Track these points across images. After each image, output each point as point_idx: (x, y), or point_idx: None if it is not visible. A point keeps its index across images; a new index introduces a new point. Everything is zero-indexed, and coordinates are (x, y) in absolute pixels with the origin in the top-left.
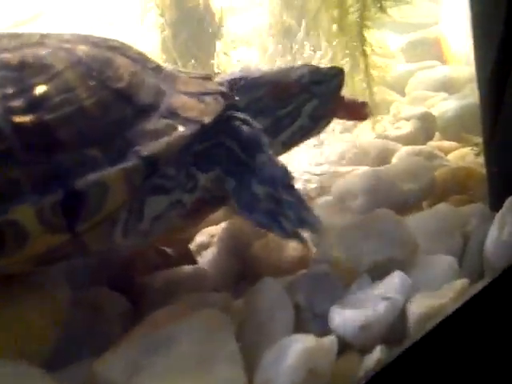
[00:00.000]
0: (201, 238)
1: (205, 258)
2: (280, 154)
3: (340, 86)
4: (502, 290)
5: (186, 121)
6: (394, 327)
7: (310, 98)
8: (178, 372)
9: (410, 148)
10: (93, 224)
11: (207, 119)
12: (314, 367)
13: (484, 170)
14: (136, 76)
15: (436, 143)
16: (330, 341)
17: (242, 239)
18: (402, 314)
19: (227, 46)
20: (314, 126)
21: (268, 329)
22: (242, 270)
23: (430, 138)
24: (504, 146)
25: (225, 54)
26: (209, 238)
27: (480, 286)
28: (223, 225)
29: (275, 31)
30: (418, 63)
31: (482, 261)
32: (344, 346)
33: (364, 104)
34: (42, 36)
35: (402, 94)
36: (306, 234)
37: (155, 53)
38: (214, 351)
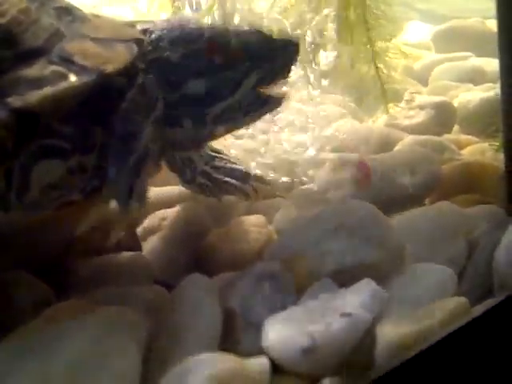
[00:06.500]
0: (150, 221)
1: (150, 245)
2: (215, 132)
3: (291, 60)
4: None
5: (81, 69)
6: (354, 355)
7: (253, 69)
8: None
9: (415, 137)
10: None
11: (109, 69)
12: None
13: (503, 167)
14: (26, 14)
15: (452, 136)
16: (258, 365)
17: (197, 225)
18: (367, 338)
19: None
20: (258, 103)
21: (181, 340)
22: (194, 261)
23: (447, 130)
24: None
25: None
26: (159, 221)
27: (484, 307)
28: (177, 207)
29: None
30: (450, 54)
31: (489, 275)
32: (279, 374)
33: None
34: None
35: (426, 84)
36: None
37: None
38: (104, 362)
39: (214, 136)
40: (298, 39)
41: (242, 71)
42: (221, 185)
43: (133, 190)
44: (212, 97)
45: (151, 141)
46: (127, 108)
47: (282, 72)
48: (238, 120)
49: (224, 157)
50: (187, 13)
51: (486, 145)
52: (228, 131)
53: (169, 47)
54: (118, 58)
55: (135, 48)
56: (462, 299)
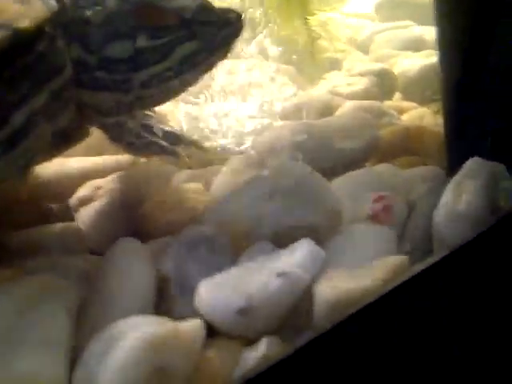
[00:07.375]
0: (83, 190)
1: (85, 215)
2: (144, 98)
3: (234, 35)
4: (452, 273)
5: None
6: (292, 314)
7: (187, 39)
8: None
9: (354, 103)
10: None
11: (25, 24)
12: (164, 365)
13: (442, 130)
14: None
15: (393, 103)
16: (192, 327)
17: (134, 194)
18: (305, 297)
19: None
20: (184, 76)
21: (111, 307)
22: (131, 231)
23: (388, 96)
24: (464, 103)
25: None
26: (93, 190)
27: (423, 266)
28: (113, 176)
29: None
30: (391, 23)
31: (429, 235)
32: (216, 336)
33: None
34: None
35: (368, 53)
36: None
37: None
38: (29, 332)
39: (144, 102)
40: (240, 13)
41: (175, 38)
42: (149, 145)
43: None
44: (138, 61)
45: (44, 114)
46: (12, 74)
47: (223, 47)
48: (169, 86)
49: (155, 116)
50: None
51: (425, 110)
52: (160, 99)
53: (91, 6)
54: (34, 13)
55: (55, 4)
56: (402, 257)
